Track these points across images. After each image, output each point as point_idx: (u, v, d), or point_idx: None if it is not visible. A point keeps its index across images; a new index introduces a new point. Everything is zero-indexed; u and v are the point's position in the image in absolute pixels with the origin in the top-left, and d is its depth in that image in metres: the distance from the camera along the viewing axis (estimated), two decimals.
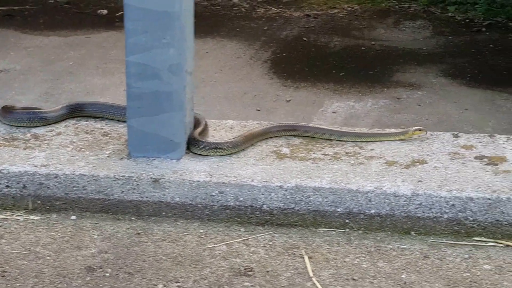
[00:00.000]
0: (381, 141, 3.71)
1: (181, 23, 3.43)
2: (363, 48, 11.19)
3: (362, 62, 10.65)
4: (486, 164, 3.48)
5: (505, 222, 3.21)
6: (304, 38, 11.48)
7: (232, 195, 3.34)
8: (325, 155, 3.60)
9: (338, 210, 3.29)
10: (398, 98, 9.47)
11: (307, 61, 10.58)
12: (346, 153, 3.62)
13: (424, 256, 3.14)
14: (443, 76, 10.22)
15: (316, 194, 3.30)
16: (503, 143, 3.71)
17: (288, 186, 3.32)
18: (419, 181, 3.34)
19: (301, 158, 3.57)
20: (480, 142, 3.72)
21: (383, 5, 13.75)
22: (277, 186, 3.32)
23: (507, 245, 3.20)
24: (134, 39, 3.44)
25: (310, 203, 3.30)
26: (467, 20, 13.06)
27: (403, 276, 3.02)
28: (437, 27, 12.44)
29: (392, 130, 3.87)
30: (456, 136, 3.78)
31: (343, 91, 9.62)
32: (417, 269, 3.06)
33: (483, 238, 3.24)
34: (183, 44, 3.46)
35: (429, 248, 3.20)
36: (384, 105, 9.26)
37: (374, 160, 3.53)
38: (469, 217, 3.23)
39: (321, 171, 3.43)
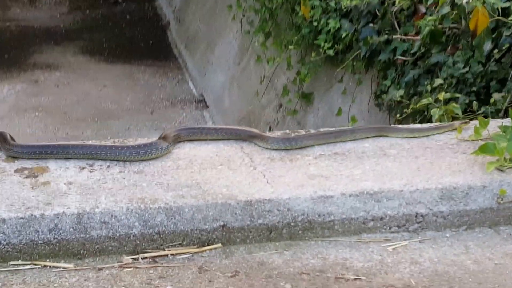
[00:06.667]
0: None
1: None
2: None
3: None
4: (25, 177, 3.23)
5: (40, 241, 3.00)
6: None
7: None
8: None
9: None
10: (36, 81, 9.15)
11: None
12: None
13: None
14: (81, 54, 9.99)
15: None
16: None
17: None
18: None
19: None
20: None
21: None
22: None
23: (44, 265, 3.00)
24: None
25: None
26: None
27: None
28: (74, 2, 12.11)
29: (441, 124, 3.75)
30: None
31: None
32: None
33: (20, 262, 3.01)
34: None
35: None
36: (21, 89, 8.87)
37: None
38: (2, 241, 2.98)
39: None
